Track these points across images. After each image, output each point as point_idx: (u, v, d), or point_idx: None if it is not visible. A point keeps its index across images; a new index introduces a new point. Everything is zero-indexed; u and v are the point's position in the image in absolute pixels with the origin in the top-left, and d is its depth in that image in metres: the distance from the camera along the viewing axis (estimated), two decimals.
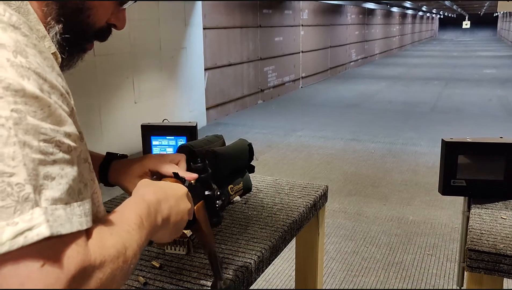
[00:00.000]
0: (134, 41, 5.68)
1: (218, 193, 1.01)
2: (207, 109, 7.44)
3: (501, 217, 1.57)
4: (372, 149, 5.90)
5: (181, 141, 2.13)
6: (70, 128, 0.60)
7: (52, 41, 0.72)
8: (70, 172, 0.58)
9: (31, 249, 0.53)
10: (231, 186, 1.76)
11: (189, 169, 1.02)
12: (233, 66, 8.25)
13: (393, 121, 7.49)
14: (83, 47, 0.80)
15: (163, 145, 2.16)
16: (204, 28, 7.20)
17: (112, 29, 0.84)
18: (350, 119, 7.81)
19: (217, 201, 1.00)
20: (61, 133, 0.58)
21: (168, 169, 1.02)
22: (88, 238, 0.61)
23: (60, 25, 0.72)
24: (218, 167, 1.64)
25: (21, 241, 0.52)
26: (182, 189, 0.87)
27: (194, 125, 2.12)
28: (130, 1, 0.82)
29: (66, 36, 0.73)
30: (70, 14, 0.72)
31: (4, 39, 0.57)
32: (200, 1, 7.01)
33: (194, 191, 0.93)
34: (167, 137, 2.14)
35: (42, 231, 0.53)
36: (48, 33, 0.71)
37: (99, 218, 0.70)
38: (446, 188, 1.80)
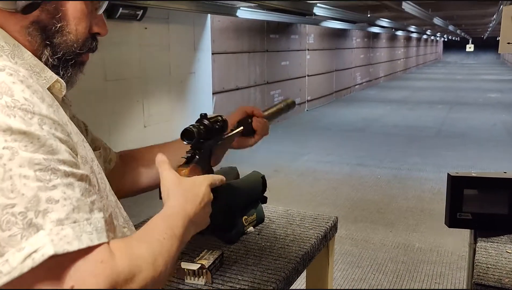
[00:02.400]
0: (144, 66, 5.82)
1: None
2: None
3: (507, 251, 1.63)
4: (378, 174, 5.95)
5: None
6: (63, 155, 0.65)
7: (47, 66, 0.78)
8: (73, 194, 0.63)
9: (43, 271, 0.58)
10: (245, 217, 1.83)
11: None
12: (240, 90, 8.38)
13: (399, 146, 7.55)
14: (77, 61, 0.85)
15: None
16: (212, 53, 7.35)
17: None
18: (355, 143, 7.88)
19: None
20: (55, 161, 0.63)
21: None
22: (116, 251, 0.65)
23: (48, 48, 0.78)
24: (234, 200, 1.72)
25: (30, 264, 0.57)
26: (202, 187, 0.93)
27: None
28: (103, 6, 0.86)
29: (57, 56, 0.79)
30: (52, 36, 0.78)
31: None
32: (210, 27, 7.17)
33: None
34: None
35: (46, 250, 0.58)
36: (41, 60, 0.77)
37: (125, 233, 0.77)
38: (453, 221, 1.86)
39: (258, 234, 1.83)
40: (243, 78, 8.50)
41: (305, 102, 11.47)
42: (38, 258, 0.57)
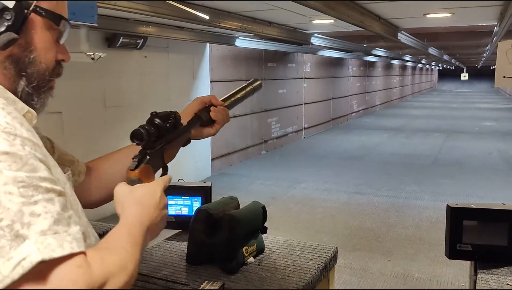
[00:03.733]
0: (143, 94, 5.86)
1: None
2: (212, 159, 7.56)
3: (507, 284, 1.63)
4: (375, 202, 5.95)
5: (196, 201, 2.22)
6: (43, 173, 0.71)
7: (22, 96, 0.85)
8: (53, 208, 0.69)
9: (32, 276, 0.64)
10: (246, 247, 1.83)
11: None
12: (238, 117, 8.43)
13: (396, 174, 7.57)
14: (48, 87, 0.91)
15: (178, 205, 2.24)
16: (211, 81, 7.43)
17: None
18: (352, 171, 7.90)
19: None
20: (36, 178, 0.69)
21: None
22: (91, 260, 0.70)
23: (23, 79, 0.85)
24: (235, 231, 1.72)
25: (20, 271, 0.63)
26: (156, 191, 0.93)
27: (209, 185, 2.21)
28: (65, 36, 0.92)
29: (32, 85, 0.86)
30: (26, 67, 0.85)
31: None
32: (208, 56, 7.27)
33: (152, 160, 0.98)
34: (183, 197, 2.23)
35: (34, 258, 0.64)
36: (17, 90, 0.85)
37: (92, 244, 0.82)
38: (453, 252, 1.86)
39: (259, 265, 1.83)
40: (241, 106, 8.52)
41: (302, 129, 11.53)
42: (27, 265, 0.63)
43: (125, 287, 0.74)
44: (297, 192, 6.46)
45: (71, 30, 0.92)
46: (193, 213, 1.91)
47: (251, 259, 1.85)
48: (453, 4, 4.61)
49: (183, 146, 1.14)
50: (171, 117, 1.02)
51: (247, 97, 1.36)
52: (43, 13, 0.85)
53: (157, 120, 0.99)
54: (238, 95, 1.35)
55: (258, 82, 1.37)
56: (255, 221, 1.90)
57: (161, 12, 3.88)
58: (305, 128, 11.67)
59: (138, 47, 5.58)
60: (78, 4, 2.48)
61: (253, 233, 1.90)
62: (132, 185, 0.93)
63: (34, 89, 0.87)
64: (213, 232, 1.75)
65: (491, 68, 34.20)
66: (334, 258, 1.97)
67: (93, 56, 2.98)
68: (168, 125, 1.01)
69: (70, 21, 0.90)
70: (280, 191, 6.53)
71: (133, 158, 0.96)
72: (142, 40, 5.52)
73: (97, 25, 2.68)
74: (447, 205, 1.89)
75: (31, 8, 0.83)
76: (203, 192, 2.21)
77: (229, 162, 8.24)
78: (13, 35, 0.81)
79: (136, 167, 0.94)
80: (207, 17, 3.98)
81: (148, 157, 0.96)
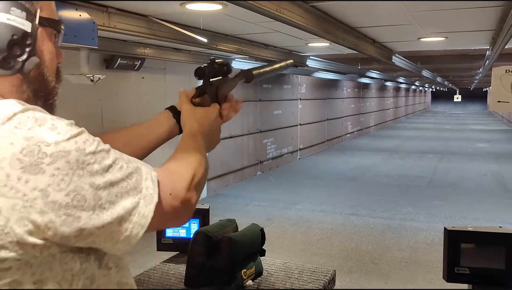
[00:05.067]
0: (141, 115, 5.88)
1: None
2: (207, 180, 7.53)
3: None
4: (371, 224, 5.95)
5: (194, 223, 2.22)
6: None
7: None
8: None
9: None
10: (244, 270, 1.83)
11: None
12: (233, 138, 8.46)
13: (391, 195, 7.59)
14: (56, 99, 0.90)
15: (176, 228, 2.24)
16: None
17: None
18: (348, 192, 7.91)
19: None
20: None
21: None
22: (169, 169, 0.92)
23: (42, 99, 0.84)
24: (234, 254, 1.72)
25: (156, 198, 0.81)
26: (212, 113, 1.15)
27: (207, 208, 2.22)
28: (61, 38, 0.90)
29: (49, 102, 0.85)
30: (41, 86, 0.83)
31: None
32: None
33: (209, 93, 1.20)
34: None
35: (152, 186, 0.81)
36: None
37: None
38: (451, 275, 1.87)
39: (257, 288, 1.82)
40: (237, 127, 8.60)
41: (297, 150, 11.56)
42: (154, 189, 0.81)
43: (205, 175, 0.96)
44: (293, 214, 6.45)
45: (72, 52, 0.93)
46: (192, 235, 1.91)
47: (249, 282, 1.84)
48: (447, 29, 4.70)
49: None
50: (225, 65, 1.25)
51: (278, 71, 1.50)
52: (46, 23, 0.84)
53: (216, 65, 1.22)
54: (270, 68, 1.46)
55: (291, 61, 1.51)
56: (253, 244, 1.91)
57: (160, 34, 3.93)
58: (300, 149, 11.71)
59: (136, 68, 5.62)
60: (79, 27, 2.51)
61: (252, 256, 1.90)
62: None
63: (49, 107, 0.85)
64: (212, 254, 1.76)
65: (483, 90, 34.60)
66: (332, 281, 1.97)
67: (92, 78, 3.00)
68: (223, 69, 1.24)
69: (72, 44, 0.90)
70: (276, 212, 6.51)
71: (196, 88, 1.19)
72: (140, 61, 5.57)
73: (97, 47, 2.71)
74: (445, 228, 1.90)
75: (37, 22, 0.80)
76: (201, 214, 2.21)
77: (224, 183, 8.23)
78: (36, 59, 0.80)
79: (198, 96, 1.17)
80: (205, 40, 4.03)
81: (207, 90, 1.19)
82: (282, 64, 1.47)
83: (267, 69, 1.44)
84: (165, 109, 1.22)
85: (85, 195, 0.70)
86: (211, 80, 1.21)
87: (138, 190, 0.77)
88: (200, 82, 1.22)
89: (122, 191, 0.75)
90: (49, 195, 0.67)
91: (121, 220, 0.74)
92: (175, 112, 1.19)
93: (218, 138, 1.17)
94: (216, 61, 1.24)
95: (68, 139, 0.70)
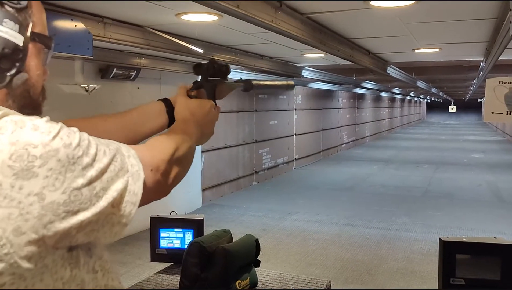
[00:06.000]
0: None
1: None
2: (203, 190, 7.52)
3: None
4: (367, 234, 5.94)
5: (189, 234, 2.20)
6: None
7: None
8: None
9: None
10: (239, 281, 1.81)
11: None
12: (229, 148, 8.46)
13: (387, 206, 7.58)
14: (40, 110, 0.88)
15: (170, 237, 2.23)
16: None
17: None
18: (344, 202, 7.90)
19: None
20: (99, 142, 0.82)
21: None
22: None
23: (28, 110, 0.81)
24: (229, 265, 1.71)
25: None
26: (205, 105, 1.18)
27: (202, 218, 2.21)
28: (49, 56, 0.88)
29: (36, 114, 0.81)
30: (28, 102, 0.81)
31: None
32: None
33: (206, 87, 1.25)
34: (175, 230, 2.22)
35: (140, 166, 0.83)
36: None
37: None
38: (446, 286, 1.86)
39: None
40: (232, 137, 8.60)
41: (293, 160, 11.56)
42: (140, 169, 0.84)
43: (189, 153, 1.01)
44: (288, 224, 6.43)
45: (66, 62, 0.92)
46: (186, 246, 1.90)
47: None
48: (441, 40, 4.73)
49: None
50: (225, 66, 1.28)
51: (277, 88, 1.55)
52: (37, 39, 0.81)
53: (216, 64, 1.26)
54: (269, 83, 1.54)
55: (292, 83, 1.51)
56: (248, 255, 1.90)
57: (155, 45, 3.94)
58: (295, 159, 11.71)
59: (131, 78, 5.63)
60: (74, 37, 2.51)
61: (247, 267, 1.89)
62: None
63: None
64: (206, 266, 1.74)
65: (478, 101, 34.85)
66: None
67: (87, 88, 2.99)
68: (222, 69, 1.28)
69: (66, 53, 0.89)
70: (271, 222, 6.49)
71: (193, 82, 1.24)
72: (135, 71, 5.57)
73: (92, 57, 2.71)
74: (440, 239, 1.90)
75: (28, 36, 0.78)
76: (196, 225, 2.20)
77: (220, 193, 8.20)
78: (25, 75, 0.79)
79: (195, 89, 1.23)
80: (201, 50, 4.04)
81: (204, 86, 1.25)
82: (283, 82, 1.49)
83: (267, 82, 1.48)
84: (159, 100, 1.25)
85: (81, 188, 0.70)
86: (209, 78, 1.25)
87: (125, 169, 0.78)
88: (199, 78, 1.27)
89: (112, 175, 0.75)
90: (45, 197, 0.67)
91: (114, 201, 0.76)
92: (169, 106, 1.21)
93: (211, 130, 1.21)
94: (216, 61, 1.28)
95: (54, 137, 0.69)
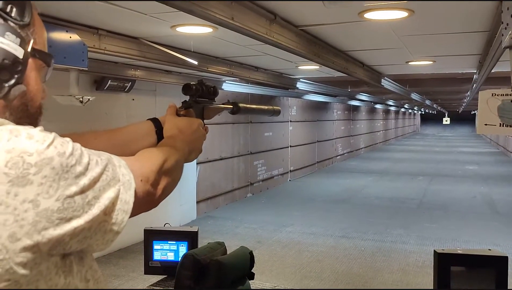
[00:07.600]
0: None
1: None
2: (197, 202, 7.49)
3: None
4: (362, 246, 5.92)
5: (182, 246, 2.19)
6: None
7: None
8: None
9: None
10: None
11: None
12: (224, 160, 8.45)
13: (382, 218, 7.58)
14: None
15: (164, 250, 2.21)
16: None
17: None
18: (339, 214, 7.89)
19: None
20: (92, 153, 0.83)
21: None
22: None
23: (25, 123, 0.80)
24: (223, 277, 1.69)
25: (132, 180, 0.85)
26: (193, 123, 1.23)
27: (196, 230, 2.19)
28: (49, 74, 0.89)
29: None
30: (24, 116, 0.82)
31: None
32: None
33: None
34: (169, 242, 2.20)
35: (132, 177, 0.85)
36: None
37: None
38: None
39: None
40: (227, 148, 8.59)
41: (288, 172, 11.56)
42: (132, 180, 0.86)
43: (178, 166, 1.02)
44: (283, 236, 6.41)
45: (61, 73, 0.93)
46: (180, 258, 1.89)
47: None
48: (435, 53, 4.77)
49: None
50: (212, 87, 1.33)
51: (264, 113, 1.60)
52: (37, 55, 0.84)
53: (204, 86, 1.31)
54: (256, 107, 1.58)
55: (278, 108, 1.58)
56: (242, 267, 1.88)
57: (150, 56, 3.94)
58: (290, 171, 11.71)
59: (126, 90, 5.62)
60: (69, 48, 2.51)
61: (241, 279, 1.87)
62: None
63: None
64: (200, 278, 1.73)
65: (471, 113, 35.10)
66: None
67: (81, 99, 2.99)
68: (209, 91, 1.33)
69: (61, 65, 0.91)
70: (266, 234, 6.47)
71: (182, 102, 1.29)
72: (130, 83, 5.57)
73: (87, 69, 2.71)
74: (434, 251, 1.89)
75: (28, 51, 0.80)
76: (190, 237, 2.19)
77: (214, 205, 8.17)
78: (23, 87, 0.80)
79: (184, 109, 1.27)
80: (195, 62, 4.05)
81: (192, 105, 1.29)
82: (269, 107, 1.56)
83: (254, 106, 1.54)
84: (149, 120, 1.27)
85: (74, 196, 0.72)
86: (197, 98, 1.30)
87: (116, 179, 0.80)
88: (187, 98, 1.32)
89: (104, 184, 0.77)
90: (40, 204, 0.68)
91: (106, 209, 0.77)
92: (158, 127, 1.24)
93: (199, 147, 1.23)
94: (204, 82, 1.32)
95: (48, 146, 0.71)
